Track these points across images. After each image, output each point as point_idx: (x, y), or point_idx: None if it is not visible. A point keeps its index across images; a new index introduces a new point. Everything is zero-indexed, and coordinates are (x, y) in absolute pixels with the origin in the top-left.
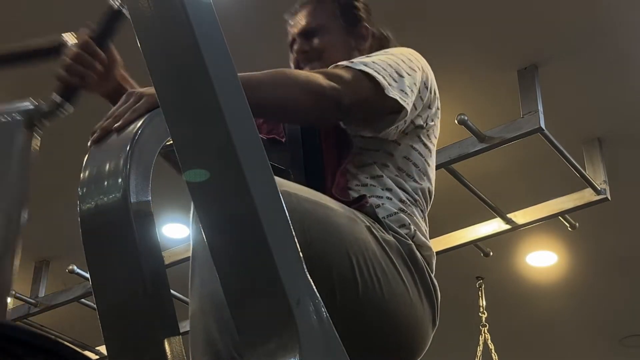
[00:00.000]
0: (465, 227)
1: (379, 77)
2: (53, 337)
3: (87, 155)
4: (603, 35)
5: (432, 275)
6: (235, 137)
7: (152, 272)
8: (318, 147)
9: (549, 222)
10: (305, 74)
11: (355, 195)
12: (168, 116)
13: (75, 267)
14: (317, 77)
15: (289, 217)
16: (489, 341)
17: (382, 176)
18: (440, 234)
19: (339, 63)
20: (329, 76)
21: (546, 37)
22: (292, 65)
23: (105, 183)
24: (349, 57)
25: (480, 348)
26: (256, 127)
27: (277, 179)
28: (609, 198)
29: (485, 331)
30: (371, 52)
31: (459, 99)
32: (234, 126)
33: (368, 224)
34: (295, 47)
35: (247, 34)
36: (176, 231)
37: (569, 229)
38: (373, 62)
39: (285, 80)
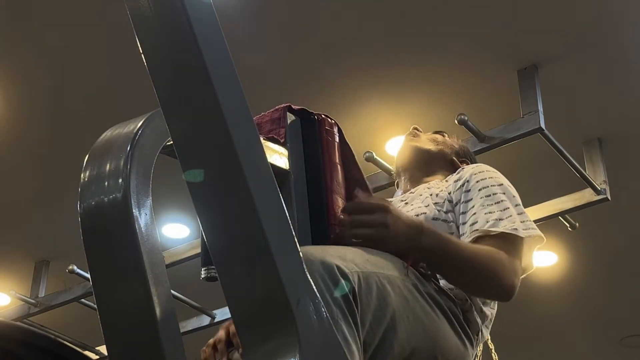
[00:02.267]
0: None
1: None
2: (53, 337)
3: (87, 156)
4: (603, 36)
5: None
6: (235, 137)
7: (152, 272)
8: (319, 149)
9: (549, 222)
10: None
11: None
12: (168, 116)
13: (75, 267)
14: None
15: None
16: (489, 341)
17: None
18: None
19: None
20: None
21: (546, 37)
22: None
23: (106, 183)
24: (441, 156)
25: (480, 348)
26: (256, 127)
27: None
28: (609, 198)
29: None
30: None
31: (459, 99)
32: (234, 126)
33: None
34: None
35: (247, 34)
36: (176, 231)
37: (569, 229)
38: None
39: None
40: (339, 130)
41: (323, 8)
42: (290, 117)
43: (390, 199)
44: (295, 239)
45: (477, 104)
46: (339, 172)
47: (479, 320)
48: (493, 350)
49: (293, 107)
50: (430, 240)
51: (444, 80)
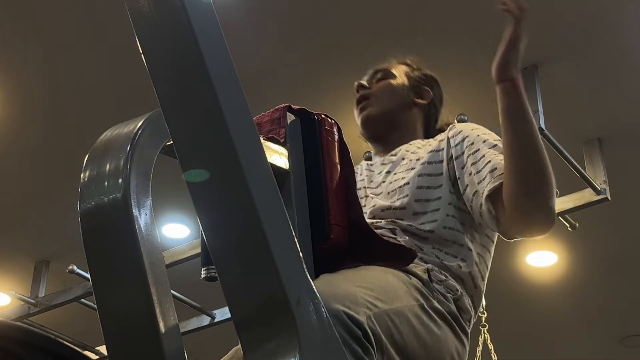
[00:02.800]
0: None
1: None
2: (53, 337)
3: (87, 156)
4: (603, 35)
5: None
6: (235, 137)
7: (152, 272)
8: (319, 149)
9: None
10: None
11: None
12: (168, 116)
13: (75, 267)
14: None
15: None
16: (489, 341)
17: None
18: None
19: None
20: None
21: (546, 37)
22: (355, 110)
23: (106, 183)
24: (402, 105)
25: (479, 348)
26: (256, 127)
27: None
28: (609, 198)
29: (485, 331)
30: (429, 115)
31: (459, 99)
32: (234, 126)
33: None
34: (358, 82)
35: (248, 34)
36: (176, 231)
37: (569, 229)
38: None
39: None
40: (339, 130)
41: (323, 8)
42: (290, 117)
43: (369, 163)
44: (295, 239)
45: (477, 104)
46: (339, 172)
47: (469, 305)
48: (493, 351)
49: (293, 107)
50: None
51: (444, 80)
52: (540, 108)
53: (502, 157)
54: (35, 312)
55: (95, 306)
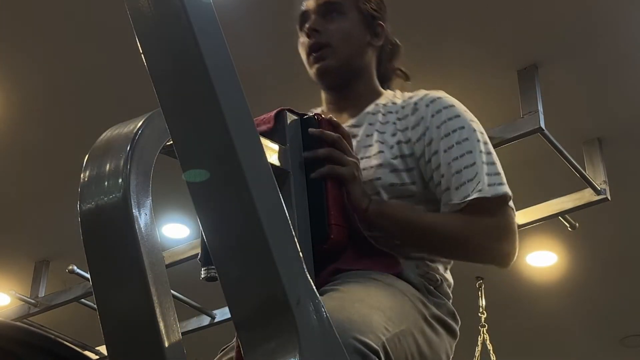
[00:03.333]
0: None
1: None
2: (53, 337)
3: (87, 155)
4: (603, 36)
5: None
6: (235, 137)
7: (152, 272)
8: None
9: (549, 222)
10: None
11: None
12: (168, 116)
13: (75, 267)
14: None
15: None
16: (488, 341)
17: None
18: None
19: (505, 194)
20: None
21: (546, 37)
22: (301, 50)
23: (106, 183)
24: (360, 50)
25: (479, 348)
26: (255, 126)
27: None
28: (609, 198)
29: (485, 331)
30: (382, 55)
31: (459, 99)
32: (234, 126)
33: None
34: (308, 24)
35: (248, 34)
36: (176, 231)
37: (569, 229)
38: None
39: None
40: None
41: None
42: (291, 117)
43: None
44: (295, 239)
45: (477, 104)
46: None
47: (447, 288)
48: (492, 351)
49: (292, 109)
50: (382, 205)
51: (444, 80)
52: (540, 108)
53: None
54: (35, 312)
55: (95, 306)
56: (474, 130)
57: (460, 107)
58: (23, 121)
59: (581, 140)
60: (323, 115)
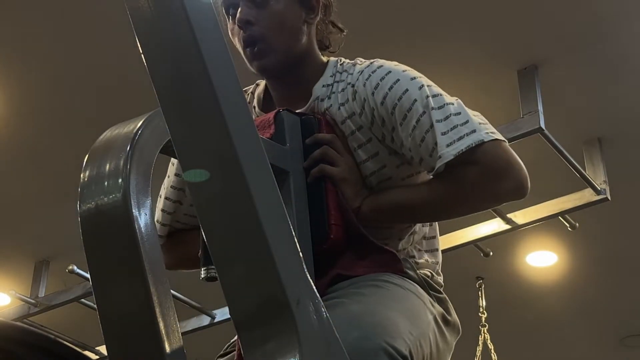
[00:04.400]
0: (465, 227)
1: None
2: (53, 337)
3: (87, 156)
4: (603, 35)
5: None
6: (235, 136)
7: (152, 272)
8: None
9: (549, 222)
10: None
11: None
12: (168, 116)
13: (75, 267)
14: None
15: None
16: (489, 341)
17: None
18: (441, 234)
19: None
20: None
21: (546, 37)
22: (233, 38)
23: (106, 183)
24: (298, 34)
25: (479, 348)
26: (256, 127)
27: None
28: (609, 198)
29: (485, 331)
30: (320, 25)
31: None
32: (234, 126)
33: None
34: (238, 14)
35: None
36: None
37: (569, 229)
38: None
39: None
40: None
41: None
42: (290, 117)
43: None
44: (295, 239)
45: (477, 104)
46: None
47: (439, 276)
48: (492, 351)
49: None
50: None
51: (444, 80)
52: (540, 108)
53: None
54: (35, 312)
55: (95, 306)
56: (419, 88)
57: (398, 68)
58: (23, 121)
59: (581, 140)
60: (321, 116)
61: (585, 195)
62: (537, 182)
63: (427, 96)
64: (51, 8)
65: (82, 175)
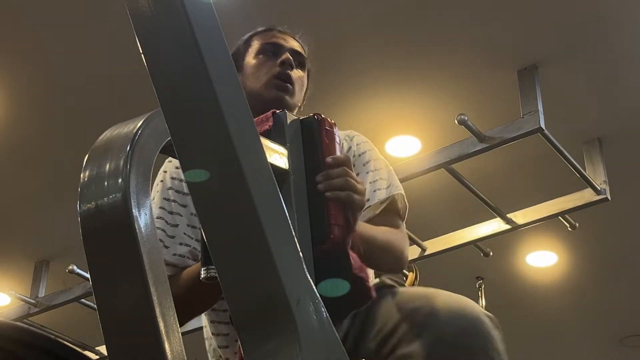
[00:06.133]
0: (465, 227)
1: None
2: (53, 337)
3: (87, 156)
4: (603, 35)
5: None
6: (235, 137)
7: (152, 272)
8: (319, 149)
9: (549, 222)
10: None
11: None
12: (168, 116)
13: (75, 267)
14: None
15: None
16: None
17: None
18: (441, 234)
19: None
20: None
21: (546, 37)
22: (261, 66)
23: (106, 183)
24: (301, 99)
25: None
26: (256, 127)
27: None
28: (609, 198)
29: None
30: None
31: (459, 99)
32: (234, 126)
33: None
34: (287, 56)
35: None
36: None
37: (569, 229)
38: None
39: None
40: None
41: (323, 9)
42: (290, 117)
43: None
44: (295, 239)
45: (477, 104)
46: None
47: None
48: None
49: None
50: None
51: (444, 80)
52: (540, 108)
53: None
54: (35, 312)
55: (95, 306)
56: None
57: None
58: (23, 121)
59: (581, 140)
60: (323, 115)
61: (585, 195)
62: (537, 182)
63: None
64: (51, 9)
65: (82, 175)
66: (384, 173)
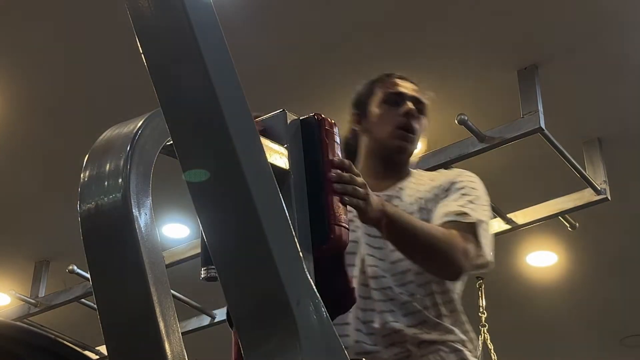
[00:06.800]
0: None
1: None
2: (53, 337)
3: (87, 156)
4: (603, 35)
5: None
6: (235, 137)
7: (152, 272)
8: (319, 149)
9: (549, 222)
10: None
11: None
12: (168, 116)
13: (75, 267)
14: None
15: None
16: (489, 341)
17: None
18: None
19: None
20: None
21: (546, 37)
22: (386, 116)
23: (106, 183)
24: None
25: (479, 348)
26: (255, 127)
27: None
28: (609, 198)
29: (485, 331)
30: None
31: (459, 99)
32: (234, 126)
33: None
34: (412, 106)
35: (248, 34)
36: (176, 231)
37: (569, 229)
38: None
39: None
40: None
41: (323, 8)
42: (290, 117)
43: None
44: (296, 239)
45: (477, 104)
46: None
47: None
48: (492, 351)
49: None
50: (393, 210)
51: (444, 80)
52: (540, 108)
53: None
54: (35, 312)
55: (95, 306)
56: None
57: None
58: (23, 121)
59: (581, 140)
60: (323, 115)
61: (585, 195)
62: (537, 182)
63: None
64: (51, 9)
65: (82, 175)
66: (474, 197)
